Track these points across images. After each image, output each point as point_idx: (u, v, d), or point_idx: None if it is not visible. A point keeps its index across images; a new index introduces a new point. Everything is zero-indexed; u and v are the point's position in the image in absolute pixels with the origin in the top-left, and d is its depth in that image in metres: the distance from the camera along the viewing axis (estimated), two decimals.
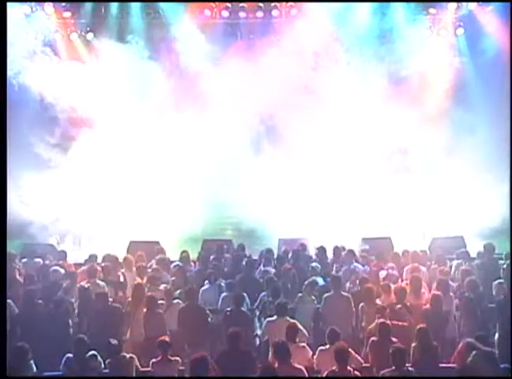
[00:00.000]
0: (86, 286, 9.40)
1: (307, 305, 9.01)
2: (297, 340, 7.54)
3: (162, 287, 9.55)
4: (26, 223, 14.34)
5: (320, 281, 9.73)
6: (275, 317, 8.26)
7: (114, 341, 7.37)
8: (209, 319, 8.76)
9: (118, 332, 8.40)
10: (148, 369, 7.39)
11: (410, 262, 10.50)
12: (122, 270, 10.46)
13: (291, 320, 8.08)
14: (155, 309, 8.62)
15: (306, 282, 9.35)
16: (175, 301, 9.02)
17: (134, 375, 7.31)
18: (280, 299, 8.56)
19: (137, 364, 7.39)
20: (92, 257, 10.96)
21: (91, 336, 7.73)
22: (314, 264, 10.31)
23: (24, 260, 11.19)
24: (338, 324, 7.86)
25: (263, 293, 9.23)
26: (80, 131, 15.46)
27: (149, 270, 10.34)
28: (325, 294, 9.02)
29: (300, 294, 9.19)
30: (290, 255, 11.30)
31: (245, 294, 9.02)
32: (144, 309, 8.66)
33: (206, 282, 9.80)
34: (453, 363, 7.17)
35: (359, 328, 8.78)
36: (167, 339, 7.49)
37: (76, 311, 8.96)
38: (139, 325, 8.57)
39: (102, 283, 9.66)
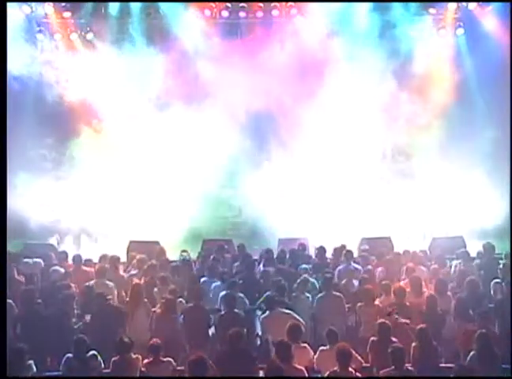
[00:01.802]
0: (90, 285, 9.33)
1: (303, 304, 9.01)
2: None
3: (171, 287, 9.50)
4: (26, 223, 14.36)
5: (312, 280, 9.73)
6: (268, 313, 8.36)
7: (126, 339, 7.33)
8: (212, 322, 8.68)
9: (116, 332, 8.38)
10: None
11: (410, 262, 10.51)
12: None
13: (286, 311, 8.17)
14: (171, 313, 8.49)
15: (298, 280, 9.36)
16: (178, 300, 8.96)
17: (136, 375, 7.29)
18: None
19: (140, 365, 7.33)
20: (104, 257, 10.76)
21: (90, 336, 7.66)
22: (303, 265, 10.25)
23: (25, 260, 11.13)
24: (331, 325, 7.86)
25: (267, 293, 9.18)
26: (79, 130, 15.47)
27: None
28: (318, 295, 9.06)
29: (294, 294, 9.21)
30: (288, 255, 11.30)
31: (241, 295, 9.02)
32: (159, 310, 8.60)
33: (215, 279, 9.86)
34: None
35: (358, 328, 8.76)
36: (158, 342, 7.40)
37: (77, 311, 8.94)
38: (138, 326, 8.46)
39: (111, 284, 9.60)
